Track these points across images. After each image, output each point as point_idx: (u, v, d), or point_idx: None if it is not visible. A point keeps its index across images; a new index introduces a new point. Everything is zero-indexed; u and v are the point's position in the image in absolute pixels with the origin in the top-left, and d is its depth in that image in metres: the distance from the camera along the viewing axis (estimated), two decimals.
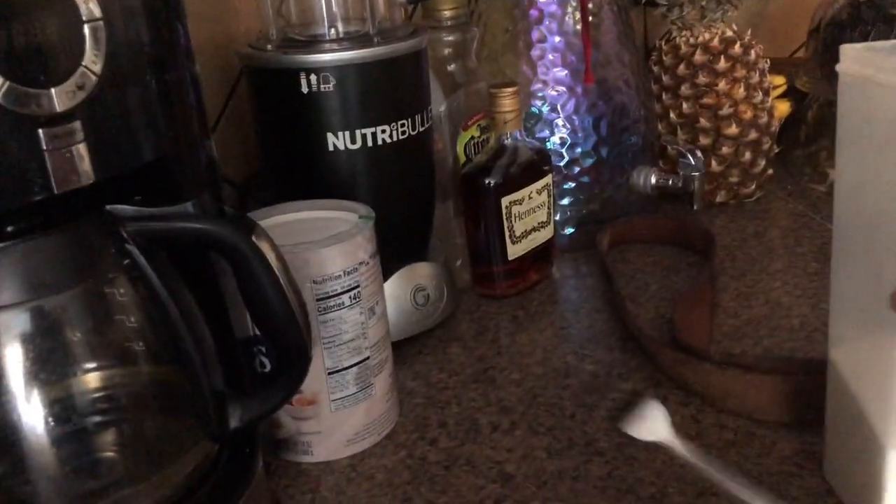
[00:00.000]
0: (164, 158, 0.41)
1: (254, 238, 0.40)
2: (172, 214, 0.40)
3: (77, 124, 0.35)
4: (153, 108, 0.39)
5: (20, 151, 0.34)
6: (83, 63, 0.35)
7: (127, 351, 0.40)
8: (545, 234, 0.73)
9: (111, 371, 0.39)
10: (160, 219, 0.40)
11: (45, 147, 0.34)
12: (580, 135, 0.75)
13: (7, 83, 0.33)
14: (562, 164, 0.75)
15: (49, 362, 0.38)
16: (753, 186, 0.84)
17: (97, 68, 0.36)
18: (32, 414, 0.37)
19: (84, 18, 0.35)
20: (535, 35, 0.74)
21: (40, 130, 0.34)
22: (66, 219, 0.38)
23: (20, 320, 0.37)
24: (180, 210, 0.40)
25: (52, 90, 0.34)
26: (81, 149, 0.36)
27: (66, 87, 0.35)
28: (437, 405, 0.57)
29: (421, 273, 0.64)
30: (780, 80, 0.89)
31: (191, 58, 0.43)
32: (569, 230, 0.78)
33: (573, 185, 0.76)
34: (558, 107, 0.74)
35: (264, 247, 0.40)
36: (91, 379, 0.39)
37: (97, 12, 0.36)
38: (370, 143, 0.58)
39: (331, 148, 0.58)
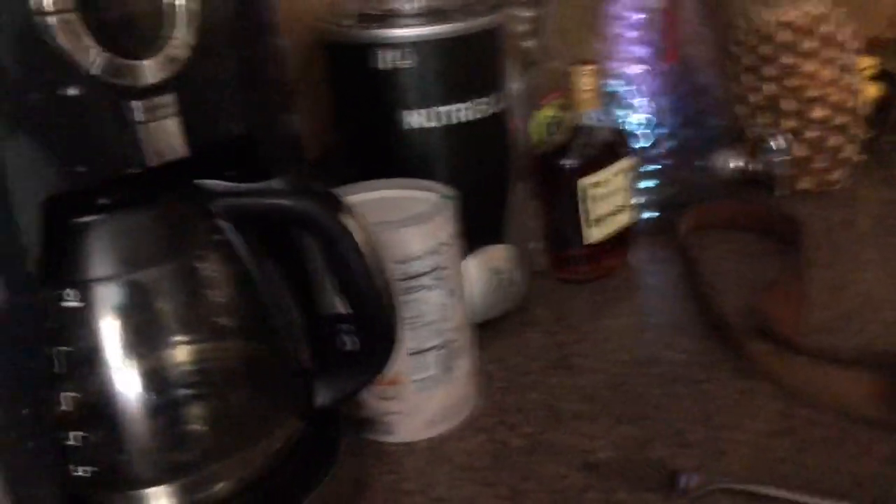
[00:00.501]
0: (252, 134, 0.40)
1: (342, 216, 0.39)
2: (260, 190, 0.39)
3: (169, 97, 0.35)
4: (242, 82, 0.39)
5: (115, 123, 0.34)
6: (174, 35, 0.35)
7: (216, 326, 0.40)
8: (623, 218, 0.70)
9: (200, 346, 0.39)
10: (248, 194, 0.39)
11: (138, 119, 0.34)
12: (661, 116, 0.72)
13: (104, 54, 0.32)
14: (642, 145, 0.73)
15: (141, 336, 0.37)
16: (841, 173, 0.80)
17: (188, 40, 0.35)
18: (125, 386, 0.37)
19: None
20: (614, 10, 0.72)
21: (134, 102, 0.34)
22: (156, 193, 0.37)
23: (113, 294, 0.36)
24: (268, 186, 0.39)
25: (145, 62, 0.34)
26: (173, 122, 0.36)
27: (159, 59, 0.34)
28: (517, 390, 0.56)
29: (497, 255, 0.63)
30: (868, 60, 0.85)
31: (276, 32, 0.43)
32: (647, 214, 0.75)
33: (653, 167, 0.74)
34: (638, 86, 0.72)
35: (352, 225, 0.39)
36: (181, 353, 0.39)
37: None
38: (447, 122, 0.57)
39: (406, 126, 0.57)
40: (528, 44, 0.70)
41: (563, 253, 0.69)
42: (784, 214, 0.73)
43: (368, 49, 0.55)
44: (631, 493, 0.45)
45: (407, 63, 0.55)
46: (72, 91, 0.32)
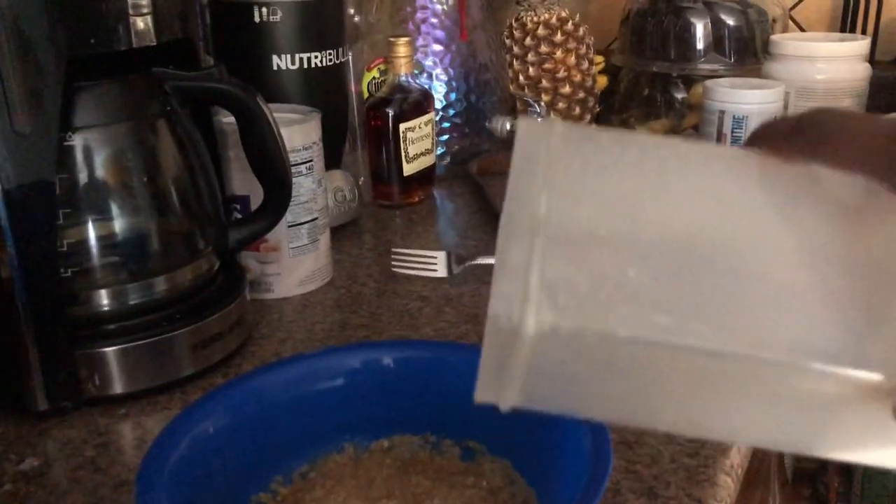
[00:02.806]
0: (190, 40, 0.56)
1: (259, 99, 0.56)
2: (202, 76, 0.55)
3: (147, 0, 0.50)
4: (190, 7, 0.55)
5: (118, 14, 0.48)
6: None
7: (164, 171, 0.55)
8: (429, 159, 0.92)
9: (154, 185, 0.54)
10: (193, 79, 0.55)
11: (129, 13, 0.49)
12: (454, 83, 0.95)
13: None
14: (440, 107, 0.95)
15: (111, 170, 0.52)
16: None
17: None
18: (98, 207, 0.51)
19: None
20: (420, 2, 0.93)
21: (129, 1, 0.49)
22: (132, 70, 0.52)
23: (97, 138, 0.51)
24: (208, 73, 0.55)
25: None
26: (149, 20, 0.51)
27: None
28: (362, 266, 0.74)
29: (338, 178, 0.81)
30: (599, 58, 1.14)
31: None
32: (445, 162, 0.97)
33: (448, 125, 0.96)
34: (438, 60, 0.94)
35: (266, 107, 0.56)
36: (139, 188, 0.53)
37: None
38: (305, 66, 0.75)
39: (275, 67, 0.74)
40: (357, 19, 0.89)
41: (387, 185, 0.89)
42: None
43: (248, 6, 0.72)
44: (454, 308, 0.65)
45: (277, 18, 0.73)
46: None
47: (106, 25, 0.48)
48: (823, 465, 1.15)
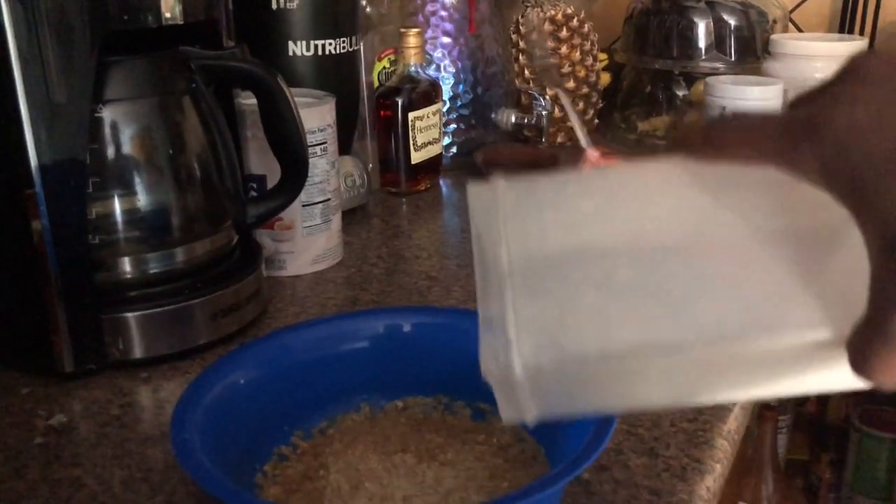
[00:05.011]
0: (214, 22, 0.58)
1: (280, 78, 0.58)
2: (226, 56, 0.57)
3: None
4: None
5: None
6: None
7: (188, 145, 0.57)
8: (436, 149, 0.94)
9: (177, 158, 0.56)
10: (217, 58, 0.57)
11: None
12: (462, 75, 0.97)
13: None
14: (448, 98, 0.97)
15: (139, 142, 0.54)
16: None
17: None
18: (126, 178, 0.53)
19: None
20: None
21: None
22: (159, 48, 0.54)
23: (125, 111, 0.53)
24: (231, 53, 0.57)
25: None
26: (177, 1, 0.53)
27: None
28: (372, 248, 0.76)
29: (349, 164, 0.83)
30: (603, 56, 1.16)
31: None
32: (451, 152, 0.99)
33: (455, 115, 0.98)
34: (446, 52, 0.96)
35: (285, 86, 0.58)
36: (163, 160, 0.55)
37: None
38: (319, 52, 0.77)
39: (290, 53, 0.76)
40: (369, 10, 0.91)
41: (395, 172, 0.91)
42: (550, 154, 1.01)
43: None
44: (461, 288, 0.67)
45: (293, 5, 0.75)
46: None
47: (137, 4, 0.50)
48: (816, 457, 1.18)
